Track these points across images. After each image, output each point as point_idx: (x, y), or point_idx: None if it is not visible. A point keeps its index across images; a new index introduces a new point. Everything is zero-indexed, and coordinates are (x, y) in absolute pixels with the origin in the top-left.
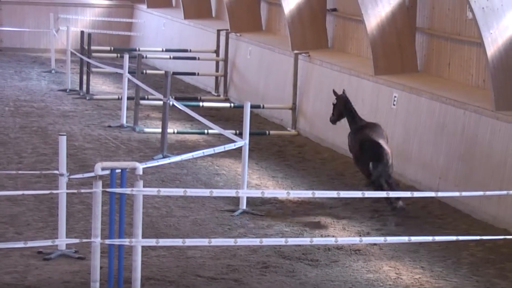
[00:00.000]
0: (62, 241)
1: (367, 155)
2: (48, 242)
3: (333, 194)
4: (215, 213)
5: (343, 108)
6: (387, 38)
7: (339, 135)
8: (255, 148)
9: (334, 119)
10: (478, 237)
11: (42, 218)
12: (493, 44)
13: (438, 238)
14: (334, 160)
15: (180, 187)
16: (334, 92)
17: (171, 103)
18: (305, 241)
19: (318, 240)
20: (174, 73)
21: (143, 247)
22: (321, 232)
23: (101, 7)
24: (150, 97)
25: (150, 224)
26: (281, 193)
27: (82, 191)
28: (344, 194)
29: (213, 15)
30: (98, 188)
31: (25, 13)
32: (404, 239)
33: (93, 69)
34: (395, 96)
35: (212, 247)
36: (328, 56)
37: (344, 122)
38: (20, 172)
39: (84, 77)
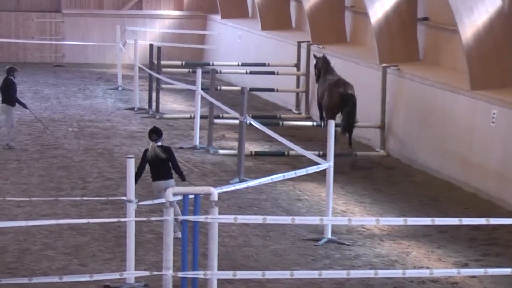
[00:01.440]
0: (131, 274)
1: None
2: (115, 275)
3: (426, 221)
4: (297, 243)
5: (321, 65)
6: (484, 49)
7: (432, 156)
8: (341, 170)
9: (317, 78)
10: None
11: (109, 248)
12: None
13: None
14: (428, 183)
15: (258, 214)
16: (314, 56)
17: (248, 122)
18: (396, 273)
19: (411, 272)
20: (251, 89)
21: (219, 280)
22: (414, 263)
23: (172, 18)
24: (225, 115)
25: (226, 254)
26: (370, 220)
27: (152, 219)
28: (439, 221)
29: (293, 26)
30: (169, 216)
31: (89, 25)
32: (507, 271)
33: (163, 86)
34: (494, 113)
35: (294, 280)
36: (419, 70)
37: (434, 140)
38: (84, 198)
39: (153, 95)
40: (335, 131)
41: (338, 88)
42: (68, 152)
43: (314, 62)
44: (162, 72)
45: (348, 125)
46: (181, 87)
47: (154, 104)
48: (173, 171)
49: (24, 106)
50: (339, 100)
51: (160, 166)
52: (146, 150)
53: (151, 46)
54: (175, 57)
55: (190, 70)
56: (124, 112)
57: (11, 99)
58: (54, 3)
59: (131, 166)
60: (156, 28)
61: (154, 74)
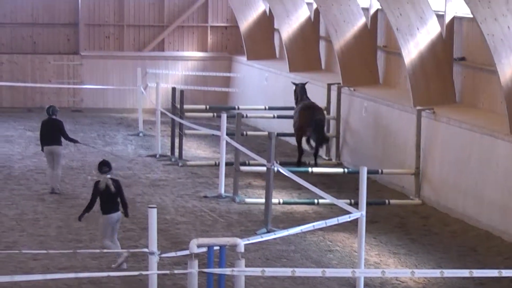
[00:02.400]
0: None
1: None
2: None
3: (464, 273)
4: None
5: (299, 92)
6: None
7: (470, 204)
8: (373, 220)
9: (296, 102)
10: None
11: None
12: None
13: None
14: (465, 233)
15: (287, 266)
16: (293, 83)
17: (275, 169)
18: None
19: None
20: (278, 135)
21: None
22: None
23: (195, 60)
24: (251, 162)
25: None
26: (404, 272)
27: (176, 271)
28: (478, 273)
29: (323, 67)
30: (193, 268)
31: (109, 68)
32: None
33: (186, 131)
34: None
35: None
36: (456, 113)
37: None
38: (104, 250)
39: (176, 141)
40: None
41: (305, 111)
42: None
43: (294, 88)
44: (185, 117)
45: (317, 143)
46: (205, 133)
47: (177, 150)
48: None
49: (76, 141)
50: (306, 122)
51: (111, 198)
52: (97, 182)
53: (173, 89)
54: (199, 100)
55: (215, 114)
56: (145, 159)
57: (57, 139)
58: (72, 45)
59: (154, 217)
60: (178, 71)
61: (177, 119)
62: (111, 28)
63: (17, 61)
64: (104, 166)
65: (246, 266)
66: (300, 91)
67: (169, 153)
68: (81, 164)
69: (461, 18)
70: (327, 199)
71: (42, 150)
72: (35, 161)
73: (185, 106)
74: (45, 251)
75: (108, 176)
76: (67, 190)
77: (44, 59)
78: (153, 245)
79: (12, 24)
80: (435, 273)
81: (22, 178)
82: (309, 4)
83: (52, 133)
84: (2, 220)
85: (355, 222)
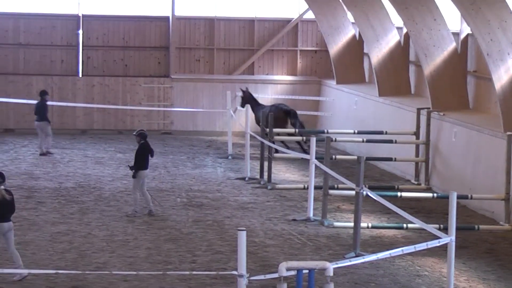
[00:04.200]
0: None
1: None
2: None
3: None
4: None
5: (248, 99)
6: None
7: None
8: (462, 245)
9: (243, 105)
10: None
11: None
12: None
13: None
14: None
15: None
16: (241, 90)
17: (364, 193)
18: None
19: None
20: (367, 159)
21: None
22: None
23: (284, 83)
24: (340, 186)
25: None
26: None
27: None
28: None
29: (413, 91)
30: None
31: (199, 91)
32: None
33: (275, 155)
34: None
35: None
36: None
37: None
38: (194, 272)
39: (265, 164)
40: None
41: (280, 106)
42: (177, 224)
43: (241, 93)
44: (274, 140)
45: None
46: (294, 156)
47: (266, 173)
48: None
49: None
50: (283, 115)
51: (5, 208)
52: None
53: (263, 113)
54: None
55: (304, 138)
56: (234, 182)
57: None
58: (162, 68)
59: (243, 239)
60: (268, 94)
61: (266, 142)
62: (202, 52)
63: (108, 84)
64: None
65: None
66: (250, 96)
67: (258, 176)
68: (171, 186)
69: None
70: (416, 223)
71: (131, 168)
72: (125, 182)
73: (275, 130)
74: (134, 273)
75: (2, 187)
76: (156, 211)
77: (135, 82)
78: (242, 268)
79: (104, 47)
80: None
81: (112, 200)
82: (399, 28)
83: (146, 157)
84: (93, 241)
85: (444, 247)
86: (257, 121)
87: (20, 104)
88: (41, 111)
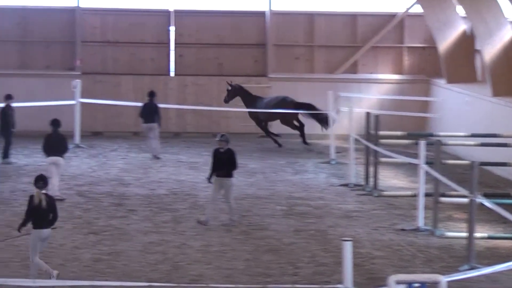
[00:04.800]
0: None
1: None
2: None
3: None
4: None
5: (238, 92)
6: None
7: None
8: None
9: (228, 100)
10: None
11: None
12: None
13: None
14: None
15: None
16: (227, 83)
17: (478, 200)
18: None
19: None
20: (481, 164)
21: None
22: None
23: (390, 83)
24: (452, 193)
25: None
26: None
27: None
28: None
29: None
30: None
31: (298, 91)
32: None
33: (382, 159)
34: None
35: None
36: None
37: None
38: (296, 286)
39: (371, 169)
40: None
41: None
42: (277, 234)
43: (230, 88)
44: (380, 144)
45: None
46: (402, 161)
47: (371, 179)
48: None
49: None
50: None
51: (43, 214)
52: (32, 197)
53: (367, 114)
54: (395, 126)
55: (413, 141)
56: (338, 189)
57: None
58: (259, 67)
59: (348, 250)
60: (372, 94)
61: (371, 146)
62: (301, 49)
63: (202, 84)
64: (40, 181)
65: None
66: (241, 88)
67: (363, 182)
68: (270, 193)
69: None
70: None
71: (209, 180)
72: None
73: (380, 132)
74: (232, 286)
75: (43, 191)
76: (255, 220)
77: (231, 82)
78: (348, 281)
79: (197, 45)
80: None
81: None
82: None
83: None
84: (187, 252)
85: None
86: (253, 115)
87: (108, 105)
88: (150, 112)
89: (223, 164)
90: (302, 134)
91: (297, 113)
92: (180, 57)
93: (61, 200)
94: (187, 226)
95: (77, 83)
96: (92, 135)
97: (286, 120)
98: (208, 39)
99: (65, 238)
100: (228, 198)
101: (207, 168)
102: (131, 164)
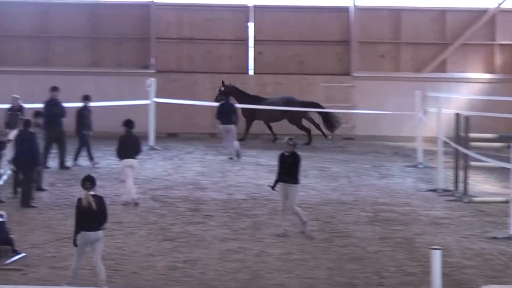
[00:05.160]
0: None
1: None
2: None
3: None
4: None
5: (233, 93)
6: None
7: None
8: None
9: (218, 99)
10: None
11: None
12: None
13: None
14: None
15: None
16: (223, 83)
17: None
18: None
19: None
20: None
21: None
22: None
23: (481, 82)
24: None
25: None
26: None
27: None
28: None
29: None
30: None
31: (383, 91)
32: None
33: (472, 163)
34: None
35: None
36: None
37: None
38: None
39: (461, 174)
40: None
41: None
42: (361, 241)
43: (223, 88)
44: (471, 147)
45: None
46: (494, 165)
47: (461, 184)
48: None
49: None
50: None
51: (91, 216)
52: (80, 200)
53: (457, 115)
54: (486, 128)
55: (505, 144)
56: (425, 194)
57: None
58: (343, 65)
59: (437, 259)
60: (462, 94)
61: (461, 149)
62: (387, 46)
63: (282, 82)
64: (87, 182)
65: None
66: (235, 88)
67: (452, 188)
68: (354, 198)
69: None
70: None
71: (273, 187)
72: (302, 194)
73: (471, 135)
74: None
75: (91, 192)
76: (338, 227)
77: (312, 81)
78: None
79: (277, 42)
80: None
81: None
82: None
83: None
84: (267, 260)
85: None
86: (249, 114)
87: (184, 105)
88: (227, 113)
89: (288, 169)
90: (322, 132)
91: (305, 113)
92: (259, 55)
93: (136, 204)
94: (266, 233)
95: (152, 82)
96: (167, 136)
97: (295, 120)
98: (288, 35)
99: (139, 245)
100: (292, 205)
101: None
102: (208, 167)
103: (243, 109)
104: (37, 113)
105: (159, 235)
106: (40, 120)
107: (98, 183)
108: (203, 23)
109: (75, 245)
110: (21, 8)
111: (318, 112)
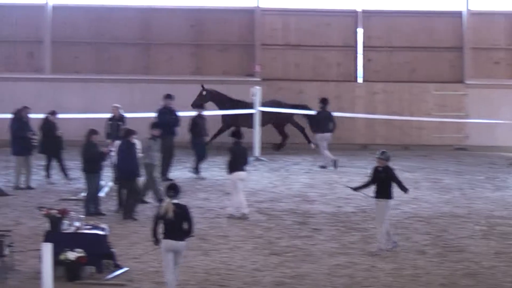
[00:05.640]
0: None
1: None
2: None
3: None
4: None
5: (214, 98)
6: None
7: None
8: None
9: (197, 104)
10: None
11: None
12: None
13: None
14: None
15: None
16: (202, 86)
17: None
18: None
19: None
20: None
21: None
22: None
23: None
24: None
25: None
26: None
27: None
28: None
29: None
30: None
31: (498, 99)
32: None
33: None
34: None
35: None
36: None
37: None
38: None
39: None
40: None
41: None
42: (476, 256)
43: (204, 92)
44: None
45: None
46: None
47: None
48: None
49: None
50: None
51: (172, 224)
52: (160, 206)
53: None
54: None
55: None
56: None
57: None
58: (455, 72)
59: None
60: None
61: None
62: (502, 52)
63: (392, 91)
64: (170, 190)
65: None
66: (217, 93)
67: None
68: (468, 211)
69: None
70: None
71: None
72: (414, 207)
73: None
74: None
75: (174, 201)
76: (451, 241)
77: (424, 89)
78: None
79: (387, 48)
80: None
81: (400, 227)
82: None
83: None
84: (377, 275)
85: None
86: (231, 121)
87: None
88: (325, 121)
89: (380, 185)
90: (306, 137)
91: (291, 118)
92: (368, 62)
93: (246, 218)
94: (376, 247)
95: (257, 90)
96: (273, 147)
97: (281, 124)
98: (399, 42)
99: (245, 259)
100: (380, 222)
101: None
102: (315, 179)
103: (223, 114)
104: (153, 124)
105: (265, 249)
106: (156, 132)
107: (203, 195)
108: (310, 29)
109: (155, 244)
110: (123, 13)
111: (305, 115)
